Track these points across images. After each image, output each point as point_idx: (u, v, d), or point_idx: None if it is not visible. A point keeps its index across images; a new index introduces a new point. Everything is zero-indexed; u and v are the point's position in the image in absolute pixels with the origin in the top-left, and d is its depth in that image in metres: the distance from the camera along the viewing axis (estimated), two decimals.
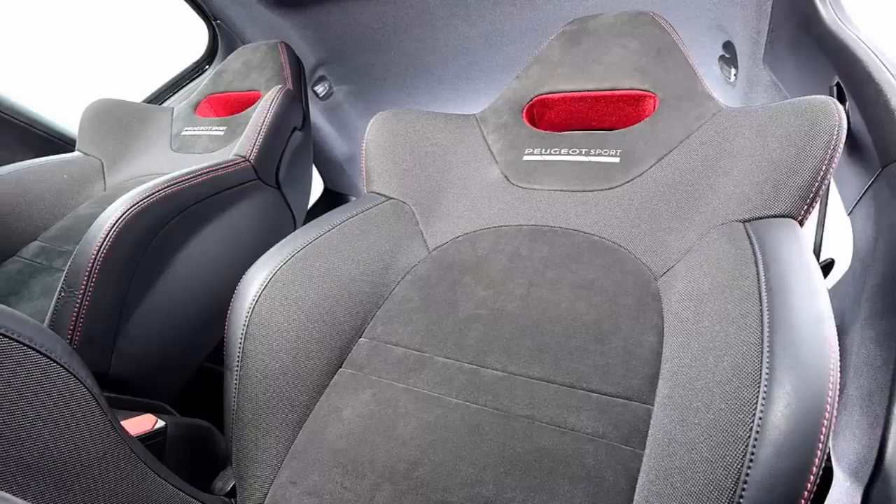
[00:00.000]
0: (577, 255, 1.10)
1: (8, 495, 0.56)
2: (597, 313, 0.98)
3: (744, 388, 0.61)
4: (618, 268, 1.05)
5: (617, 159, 1.18)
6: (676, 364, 0.79)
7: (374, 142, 1.40)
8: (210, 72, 2.49)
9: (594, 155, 1.20)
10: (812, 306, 0.67)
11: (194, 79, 2.53)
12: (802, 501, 0.54)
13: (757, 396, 0.59)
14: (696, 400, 0.68)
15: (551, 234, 1.16)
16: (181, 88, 2.53)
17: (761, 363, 0.62)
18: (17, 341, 0.66)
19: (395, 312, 1.13)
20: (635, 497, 0.72)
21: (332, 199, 3.23)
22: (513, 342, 0.98)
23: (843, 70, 1.13)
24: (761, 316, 0.67)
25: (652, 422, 0.78)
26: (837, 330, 0.65)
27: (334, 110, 2.77)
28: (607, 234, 1.11)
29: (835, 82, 1.15)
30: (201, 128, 2.01)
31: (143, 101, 2.42)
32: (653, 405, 0.81)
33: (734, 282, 0.77)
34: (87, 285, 1.15)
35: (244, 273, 1.06)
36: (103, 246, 1.17)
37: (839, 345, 0.63)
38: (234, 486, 0.98)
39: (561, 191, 1.21)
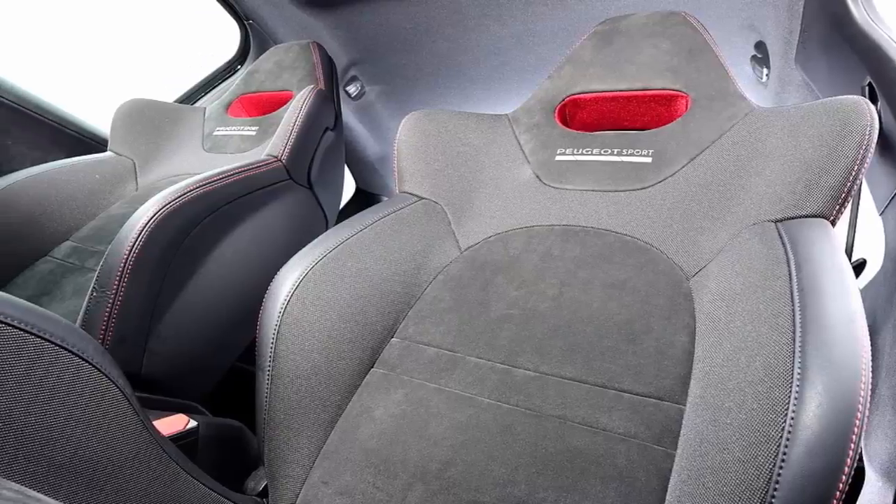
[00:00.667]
0: (609, 255, 1.09)
1: (40, 495, 0.56)
2: (629, 313, 0.98)
3: (776, 388, 0.61)
4: (650, 268, 1.05)
5: (649, 159, 1.18)
6: (708, 364, 0.79)
7: (406, 142, 1.40)
8: (242, 72, 2.49)
9: (626, 155, 1.20)
10: (844, 306, 0.66)
11: (226, 79, 2.54)
12: (834, 501, 0.54)
13: (789, 396, 0.59)
14: (728, 400, 0.68)
15: (583, 234, 1.16)
16: (213, 88, 2.54)
17: (793, 363, 0.62)
18: (49, 341, 0.67)
19: (426, 312, 1.13)
20: (667, 497, 0.73)
21: (364, 199, 3.23)
22: (545, 342, 0.98)
23: (874, 70, 1.12)
24: (793, 316, 0.67)
25: (684, 422, 0.78)
26: (869, 330, 0.64)
27: (366, 110, 2.78)
28: (639, 234, 1.11)
29: (867, 82, 1.14)
30: (233, 128, 2.02)
31: (175, 101, 2.43)
32: (685, 405, 0.81)
33: (766, 282, 0.77)
34: (119, 285, 1.16)
35: (276, 273, 1.06)
36: (135, 246, 1.18)
37: (871, 345, 0.63)
38: (265, 486, 0.99)
39: (593, 191, 1.21)
